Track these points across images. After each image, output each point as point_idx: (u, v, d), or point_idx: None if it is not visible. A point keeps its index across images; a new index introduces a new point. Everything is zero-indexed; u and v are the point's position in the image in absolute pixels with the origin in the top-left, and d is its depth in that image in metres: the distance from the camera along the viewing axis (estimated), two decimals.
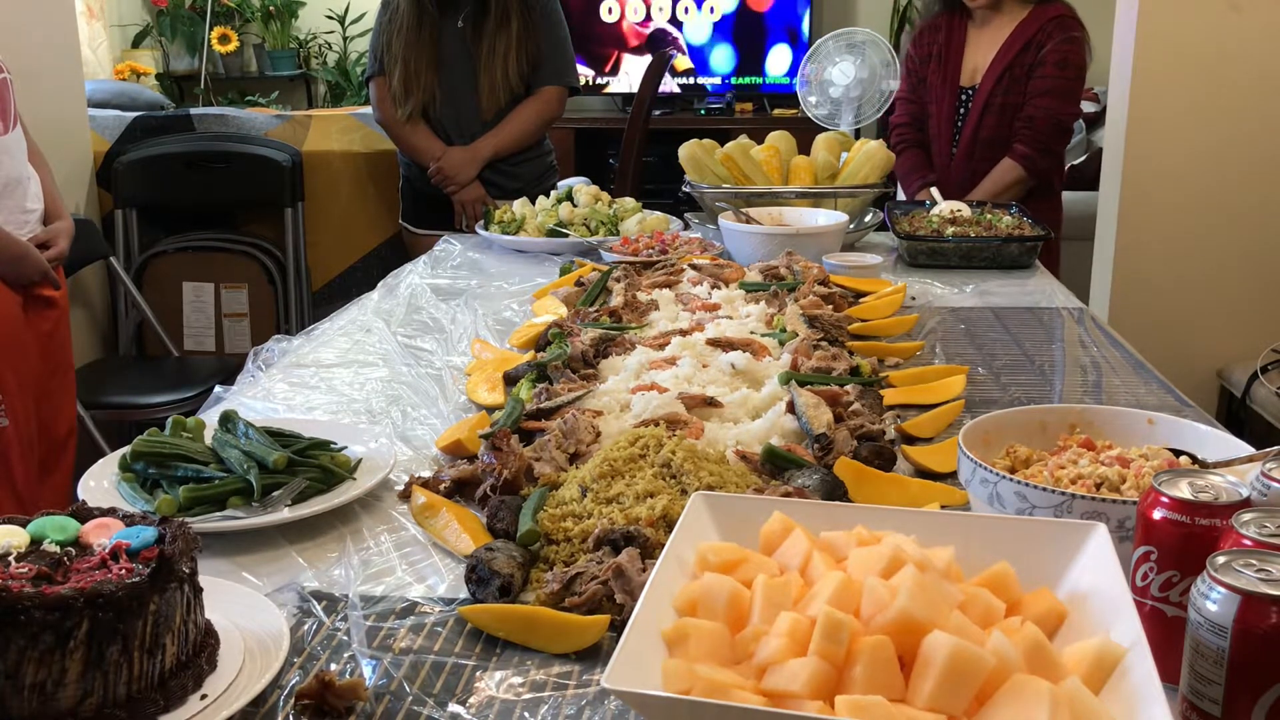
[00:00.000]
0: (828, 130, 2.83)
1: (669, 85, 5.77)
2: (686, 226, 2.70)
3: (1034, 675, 0.75)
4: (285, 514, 1.19)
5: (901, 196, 3.26)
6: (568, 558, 1.10)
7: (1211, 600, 0.77)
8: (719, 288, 2.02)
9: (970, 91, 3.07)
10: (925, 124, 3.19)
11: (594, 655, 0.97)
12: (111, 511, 0.94)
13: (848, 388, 1.49)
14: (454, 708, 0.90)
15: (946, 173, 3.10)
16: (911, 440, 1.44)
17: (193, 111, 4.07)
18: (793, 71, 5.56)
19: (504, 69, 3.10)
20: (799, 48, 5.72)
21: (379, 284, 2.31)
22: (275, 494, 1.21)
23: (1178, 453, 1.10)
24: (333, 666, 0.95)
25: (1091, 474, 1.04)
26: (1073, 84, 2.97)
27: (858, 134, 3.17)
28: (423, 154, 3.20)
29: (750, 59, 5.89)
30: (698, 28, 5.87)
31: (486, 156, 3.17)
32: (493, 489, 1.23)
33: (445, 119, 3.19)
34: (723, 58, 5.90)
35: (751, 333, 1.74)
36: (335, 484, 1.26)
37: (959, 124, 3.09)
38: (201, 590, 0.91)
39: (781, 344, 1.69)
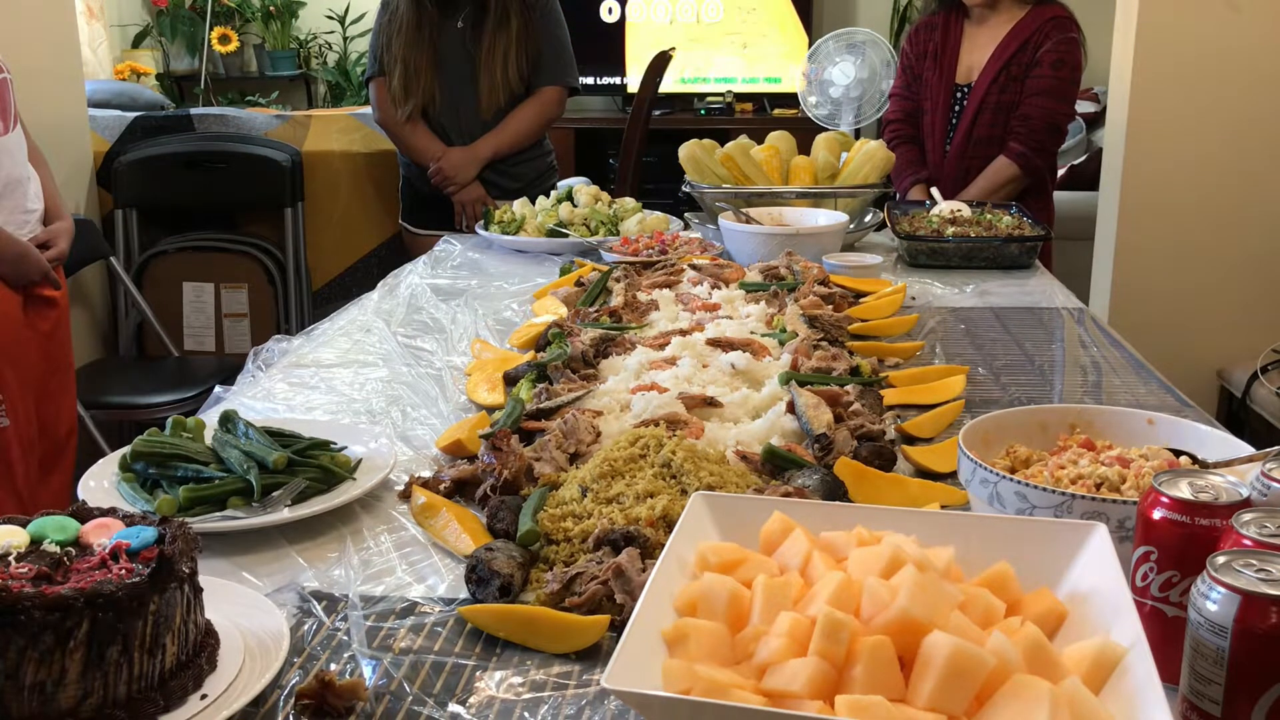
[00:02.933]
0: (828, 130, 2.83)
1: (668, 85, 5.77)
2: (686, 226, 2.70)
3: (1034, 675, 0.75)
4: (285, 514, 1.19)
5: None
6: (568, 558, 1.10)
7: (1211, 600, 0.77)
8: (719, 288, 2.02)
9: (966, 89, 3.07)
10: (919, 121, 3.19)
11: (594, 655, 0.97)
12: (111, 511, 0.94)
13: (848, 388, 1.49)
14: (454, 708, 0.90)
15: (940, 170, 3.11)
16: (911, 440, 1.44)
17: (193, 111, 4.07)
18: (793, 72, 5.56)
19: (504, 69, 3.10)
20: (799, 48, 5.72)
21: (379, 284, 2.31)
22: (275, 494, 1.21)
23: (1178, 453, 1.10)
24: (333, 666, 0.95)
25: (1091, 474, 1.04)
26: (1068, 85, 2.99)
27: (858, 134, 3.17)
28: (423, 154, 3.20)
29: (751, 59, 5.89)
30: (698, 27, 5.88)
31: (486, 157, 3.17)
32: (493, 489, 1.23)
33: (445, 119, 3.19)
34: (723, 58, 5.90)
35: (751, 333, 1.74)
36: (335, 484, 1.26)
37: (954, 121, 3.09)
38: (201, 590, 0.91)
39: (781, 344, 1.69)
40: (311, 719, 0.88)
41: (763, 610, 0.82)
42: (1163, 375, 1.71)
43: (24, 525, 0.90)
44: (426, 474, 1.32)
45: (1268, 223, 3.26)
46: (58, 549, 0.88)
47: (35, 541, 0.89)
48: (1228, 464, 1.02)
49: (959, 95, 3.09)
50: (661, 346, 1.66)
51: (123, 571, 0.84)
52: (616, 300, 1.94)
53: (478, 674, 0.95)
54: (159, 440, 1.28)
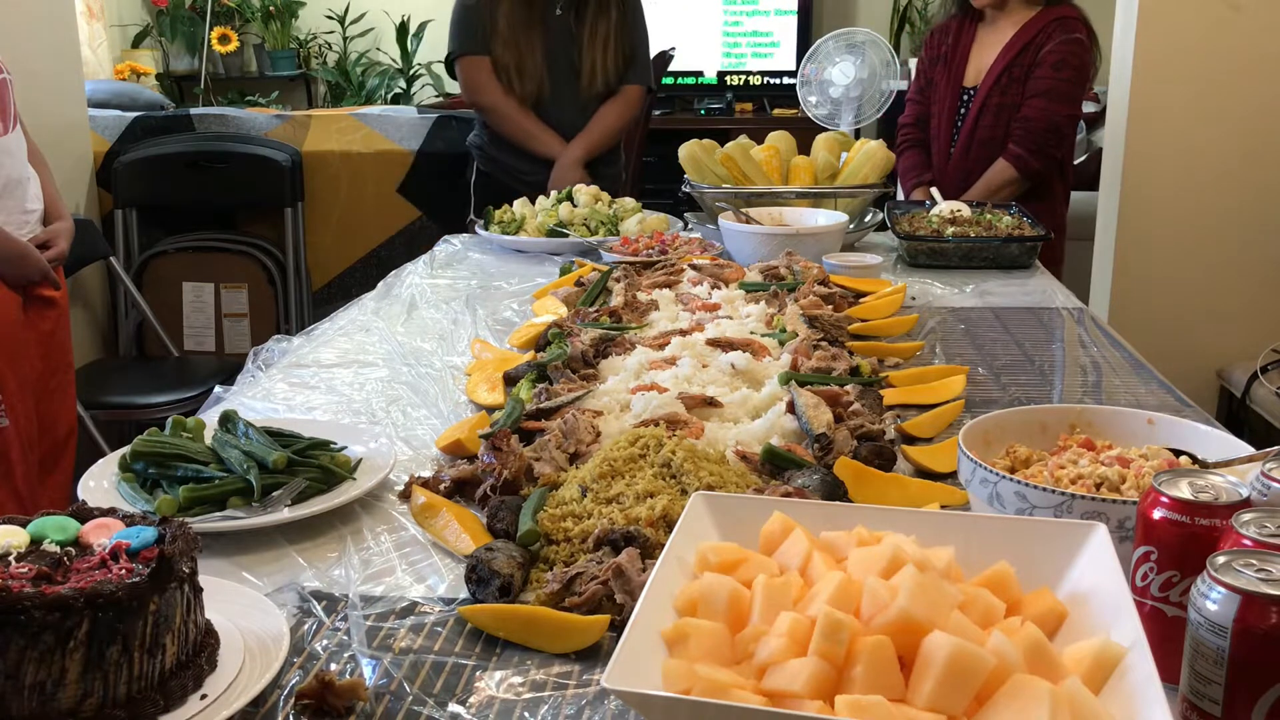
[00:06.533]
0: (828, 130, 2.83)
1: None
2: (686, 226, 2.70)
3: (1034, 675, 0.75)
4: (285, 514, 1.19)
5: (900, 196, 3.27)
6: (568, 558, 1.10)
7: (1211, 600, 0.77)
8: (719, 288, 2.02)
9: (972, 92, 3.06)
10: (929, 124, 3.19)
11: (594, 655, 0.97)
12: (111, 511, 0.94)
13: (848, 388, 1.49)
14: (454, 708, 0.90)
15: (944, 172, 3.10)
16: (911, 440, 1.44)
17: (193, 111, 4.08)
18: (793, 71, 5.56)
19: (604, 55, 3.05)
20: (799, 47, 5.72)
21: (379, 284, 2.31)
22: (275, 494, 1.21)
23: (1178, 453, 1.10)
24: (333, 666, 0.95)
25: (1091, 474, 1.04)
26: (1070, 85, 2.92)
27: (858, 134, 3.17)
28: (544, 145, 3.08)
29: (751, 59, 5.89)
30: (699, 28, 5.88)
31: (580, 158, 3.07)
32: (493, 489, 1.23)
33: (545, 107, 3.10)
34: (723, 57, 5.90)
35: (751, 333, 1.74)
36: (335, 484, 1.26)
37: (958, 124, 3.09)
38: (201, 590, 0.91)
39: (781, 344, 1.69)
40: (311, 719, 0.88)
41: (763, 610, 0.82)
42: (1162, 375, 1.71)
43: (24, 525, 0.90)
44: (426, 474, 1.31)
45: (1268, 222, 3.26)
46: (58, 549, 0.88)
47: (35, 541, 0.89)
48: (1228, 464, 1.02)
49: (965, 98, 3.08)
50: (661, 346, 1.66)
51: (123, 571, 0.84)
52: (616, 300, 1.94)
53: (478, 674, 0.95)
54: (159, 440, 1.28)
